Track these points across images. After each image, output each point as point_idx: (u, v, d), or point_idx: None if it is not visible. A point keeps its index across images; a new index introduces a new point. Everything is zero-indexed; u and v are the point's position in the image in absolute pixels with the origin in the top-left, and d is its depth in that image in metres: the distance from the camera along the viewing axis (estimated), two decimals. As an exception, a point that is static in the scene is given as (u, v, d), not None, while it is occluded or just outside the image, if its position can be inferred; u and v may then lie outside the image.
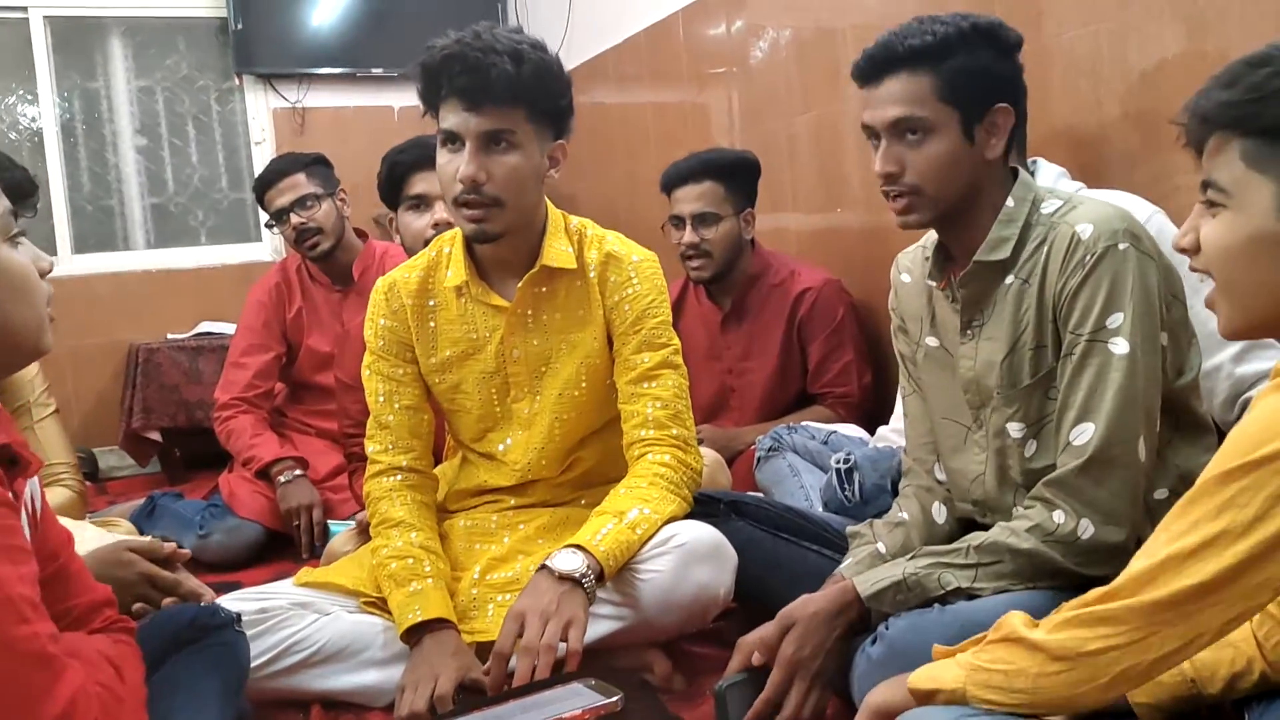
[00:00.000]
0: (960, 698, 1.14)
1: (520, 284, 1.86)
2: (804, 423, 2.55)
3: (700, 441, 2.59)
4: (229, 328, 4.13)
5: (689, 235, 2.75)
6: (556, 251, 1.86)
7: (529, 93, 1.71)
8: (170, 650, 1.38)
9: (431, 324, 1.93)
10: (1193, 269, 1.12)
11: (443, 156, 1.76)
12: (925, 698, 1.19)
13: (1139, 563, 1.04)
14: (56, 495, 2.37)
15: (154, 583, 1.53)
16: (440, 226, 2.36)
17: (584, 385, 1.90)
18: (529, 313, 1.89)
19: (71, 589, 1.27)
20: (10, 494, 1.05)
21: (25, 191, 1.58)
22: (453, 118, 1.72)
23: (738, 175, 2.79)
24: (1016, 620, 1.14)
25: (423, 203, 2.43)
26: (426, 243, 2.16)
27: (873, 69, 1.54)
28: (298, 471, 2.83)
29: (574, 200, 4.70)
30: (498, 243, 1.80)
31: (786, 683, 1.45)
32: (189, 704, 1.33)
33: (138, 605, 1.50)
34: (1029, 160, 2.11)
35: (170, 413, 4.04)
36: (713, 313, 2.91)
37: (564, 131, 1.83)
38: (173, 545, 1.69)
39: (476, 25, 1.72)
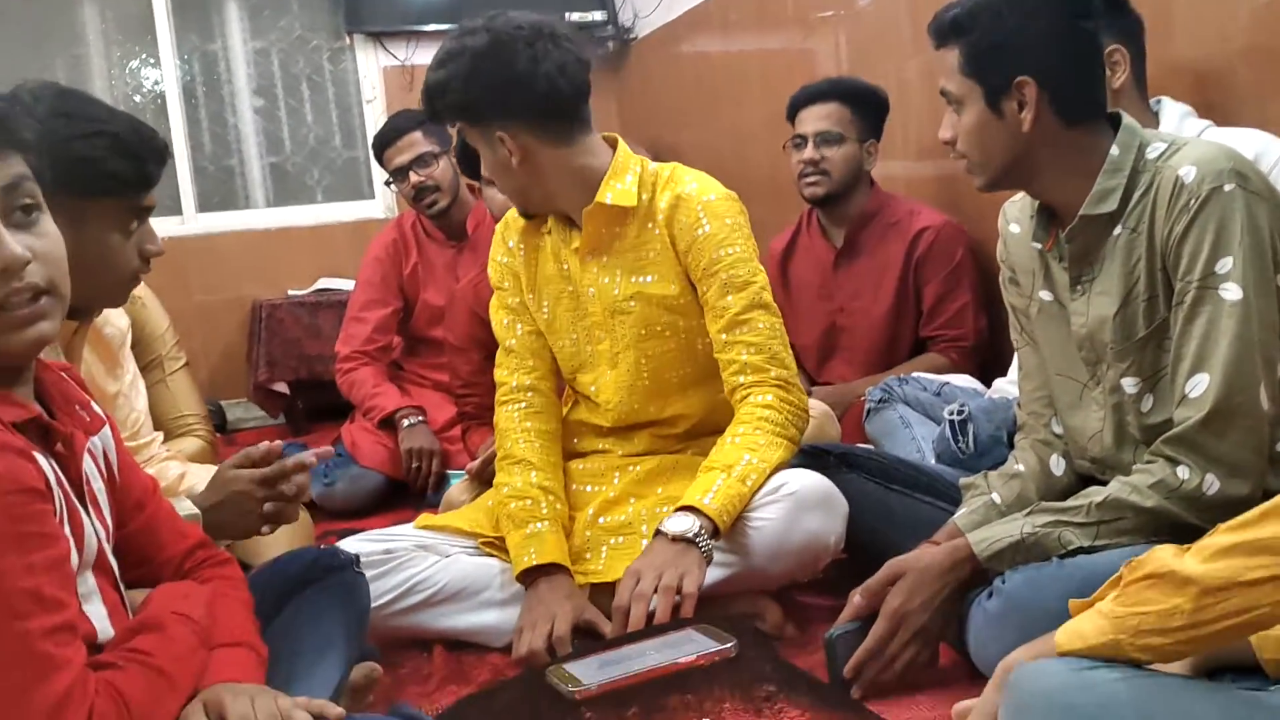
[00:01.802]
0: (1113, 649, 1.08)
1: (586, 225, 1.90)
2: (915, 374, 2.52)
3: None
4: (346, 284, 4.25)
5: (809, 152, 2.73)
6: (613, 190, 1.88)
7: (441, 114, 1.88)
8: (292, 591, 1.43)
9: (535, 260, 2.00)
10: None
11: None
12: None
13: None
14: (188, 445, 2.48)
15: (265, 481, 1.55)
16: None
17: (665, 328, 1.91)
18: (600, 252, 1.92)
19: (162, 539, 1.30)
20: (46, 467, 1.04)
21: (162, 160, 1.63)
22: None
23: (866, 104, 2.76)
24: (1164, 554, 1.07)
25: None
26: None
27: (933, 39, 1.57)
28: (419, 418, 2.92)
29: (678, 150, 4.68)
30: (546, 207, 1.93)
31: (890, 633, 1.46)
32: (314, 642, 1.38)
33: (269, 507, 1.52)
34: (1153, 99, 2.03)
35: (293, 366, 4.20)
36: (826, 250, 2.88)
37: (506, 120, 1.82)
38: (265, 444, 1.72)
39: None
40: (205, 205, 4.83)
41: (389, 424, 2.95)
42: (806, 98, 2.78)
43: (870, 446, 2.08)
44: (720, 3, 4.19)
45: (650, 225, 1.90)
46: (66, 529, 1.06)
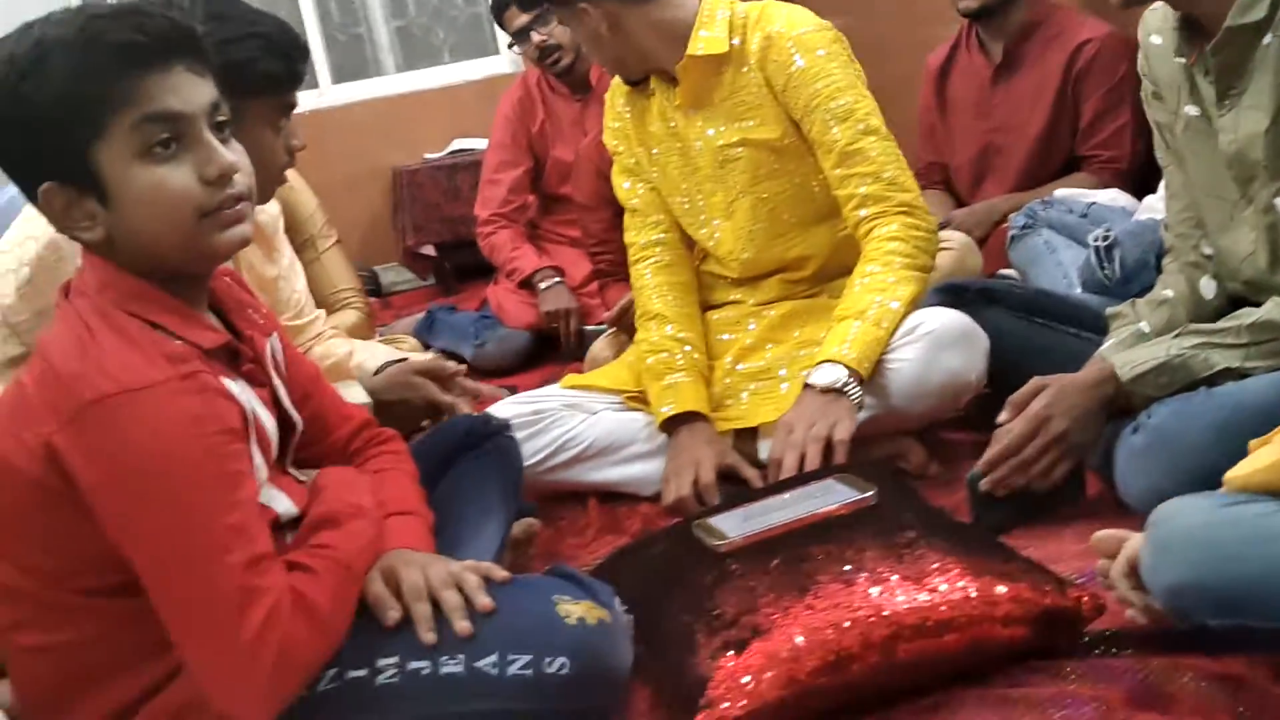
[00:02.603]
0: None
1: (681, 78, 1.89)
2: (1060, 193, 2.42)
3: (946, 225, 2.53)
4: (479, 143, 4.29)
5: None
6: (700, 40, 1.86)
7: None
8: (451, 459, 1.52)
9: (644, 122, 2.00)
10: None
11: None
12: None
13: None
14: (346, 317, 2.60)
15: (437, 406, 1.69)
16: None
17: (774, 171, 1.89)
18: (700, 103, 1.91)
19: (329, 424, 1.38)
20: (237, 390, 1.13)
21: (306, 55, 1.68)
22: None
23: None
24: None
25: None
26: None
27: None
28: (556, 279, 2.99)
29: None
30: (645, 69, 1.92)
31: (1029, 436, 1.46)
32: (475, 505, 1.48)
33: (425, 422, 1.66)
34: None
35: (437, 229, 4.33)
36: (983, 66, 2.76)
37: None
38: (453, 365, 1.86)
39: None
40: (339, 76, 4.92)
41: (529, 285, 3.02)
42: None
43: (1012, 277, 2.02)
44: None
45: (745, 69, 1.88)
46: (255, 446, 1.15)
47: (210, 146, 1.10)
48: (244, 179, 1.14)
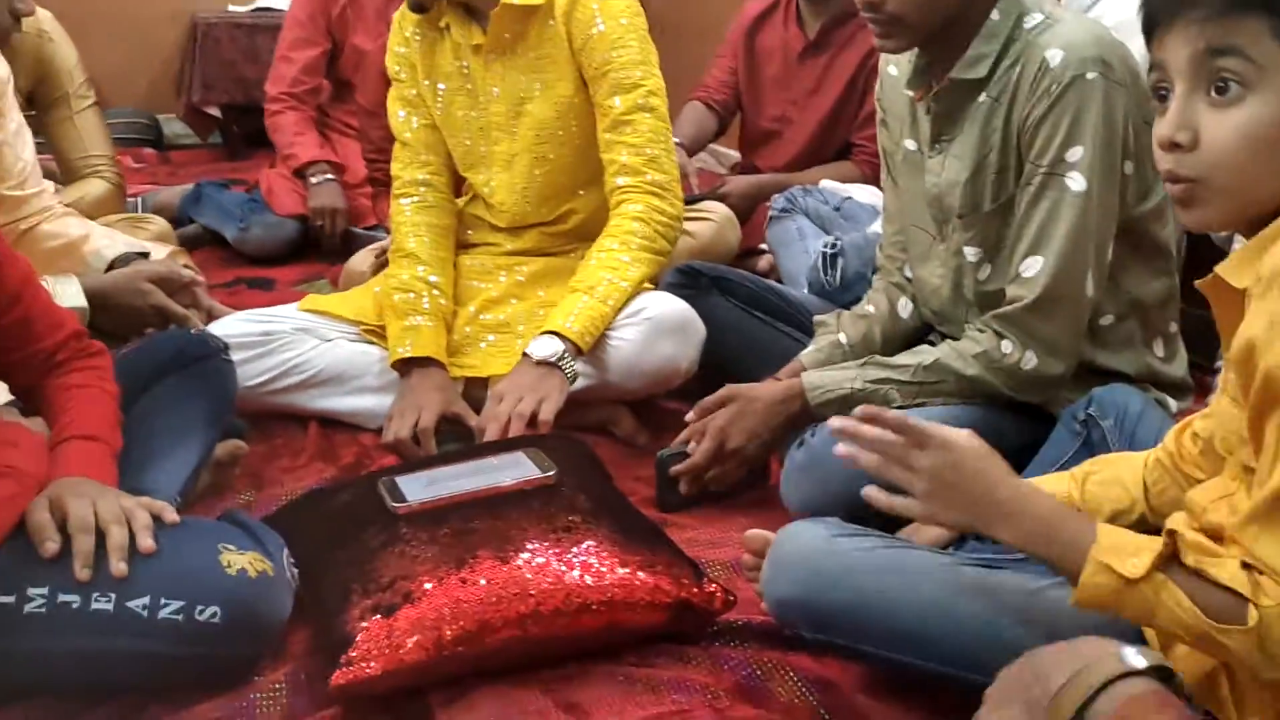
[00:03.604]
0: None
1: (491, 23, 1.89)
2: (823, 184, 2.55)
3: (724, 195, 2.63)
4: (285, 3, 4.10)
5: None
6: None
7: None
8: (160, 376, 1.51)
9: (432, 55, 1.98)
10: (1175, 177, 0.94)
11: None
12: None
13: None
14: (95, 187, 2.48)
15: (165, 315, 1.65)
16: None
17: (560, 129, 1.94)
18: (503, 51, 1.92)
19: (35, 332, 1.34)
20: None
21: None
22: None
23: None
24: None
25: None
26: None
27: None
28: (329, 176, 2.91)
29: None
30: None
31: (711, 451, 1.59)
32: (174, 426, 1.48)
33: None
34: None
35: (227, 89, 4.15)
36: (796, 39, 2.82)
37: None
38: (190, 275, 1.83)
39: None
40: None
41: (303, 176, 2.94)
42: None
43: (744, 272, 2.12)
44: None
45: (550, 23, 1.89)
46: None
47: None
48: None
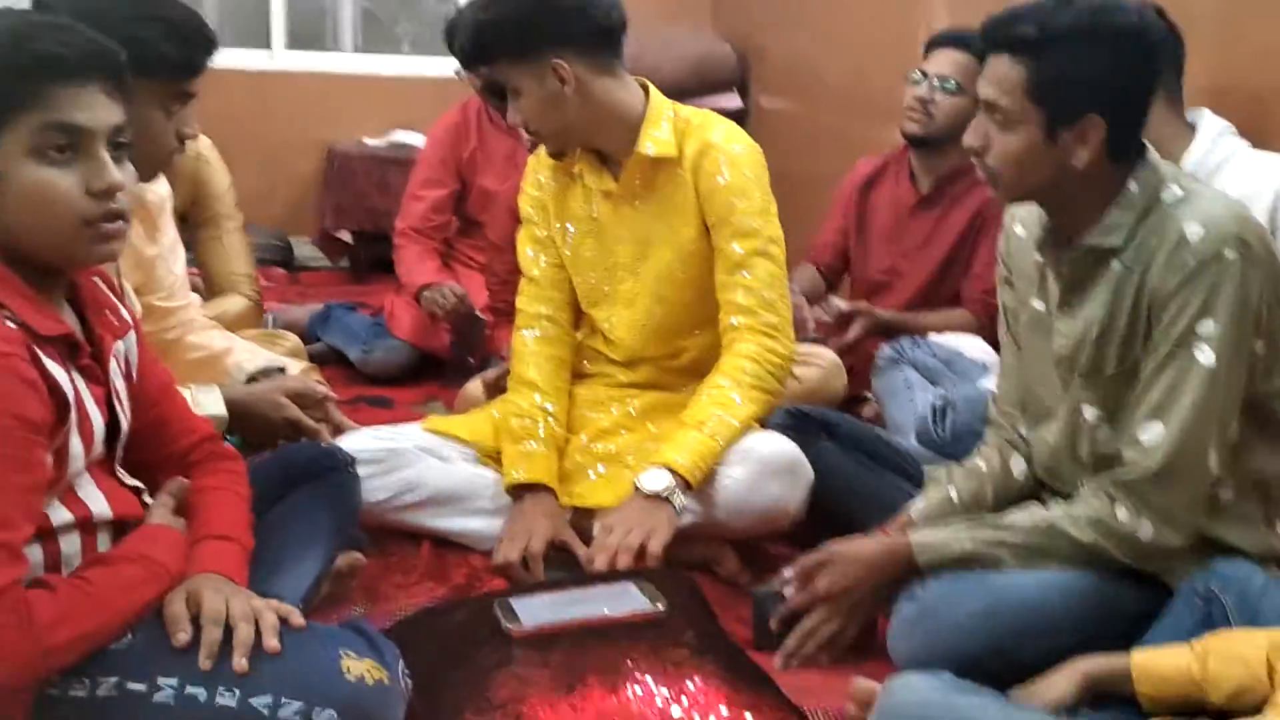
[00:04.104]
0: None
1: (624, 172, 1.99)
2: (931, 337, 2.57)
3: (851, 318, 2.65)
4: (419, 139, 4.34)
5: (923, 90, 2.68)
6: (653, 139, 1.96)
7: (490, 53, 1.93)
8: (290, 485, 1.59)
9: (565, 197, 2.09)
10: None
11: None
12: None
13: None
14: (235, 303, 2.64)
15: (298, 428, 1.75)
16: None
17: (681, 272, 2.01)
18: (633, 198, 2.01)
19: (172, 433, 1.44)
20: (64, 380, 1.19)
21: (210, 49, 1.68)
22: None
23: None
24: None
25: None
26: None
27: (985, 41, 1.52)
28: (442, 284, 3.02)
29: (764, 52, 4.64)
30: (585, 145, 1.99)
31: (819, 619, 1.58)
32: (301, 535, 1.56)
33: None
34: (1193, 110, 2.02)
35: (358, 217, 4.38)
36: (908, 194, 2.87)
37: (562, 47, 1.88)
38: (324, 390, 1.92)
39: None
40: (294, 43, 4.93)
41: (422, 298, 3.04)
42: (946, 40, 2.70)
43: (852, 418, 2.15)
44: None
45: (679, 172, 1.98)
46: (75, 436, 1.21)
47: (102, 162, 1.19)
48: (125, 200, 1.22)
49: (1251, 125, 2.03)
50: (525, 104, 1.91)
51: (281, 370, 2.04)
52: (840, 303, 2.78)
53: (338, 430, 1.93)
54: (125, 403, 1.34)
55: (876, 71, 3.44)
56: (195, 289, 2.46)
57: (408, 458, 1.94)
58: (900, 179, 2.92)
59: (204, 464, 1.46)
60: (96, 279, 1.36)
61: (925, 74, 2.69)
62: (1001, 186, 1.54)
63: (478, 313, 2.97)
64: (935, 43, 2.73)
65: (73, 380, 1.22)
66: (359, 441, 1.90)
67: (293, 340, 2.54)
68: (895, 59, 2.75)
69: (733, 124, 2.03)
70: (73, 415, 1.20)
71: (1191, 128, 2.01)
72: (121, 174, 1.21)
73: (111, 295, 1.38)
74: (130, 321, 1.40)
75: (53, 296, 1.25)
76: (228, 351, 2.06)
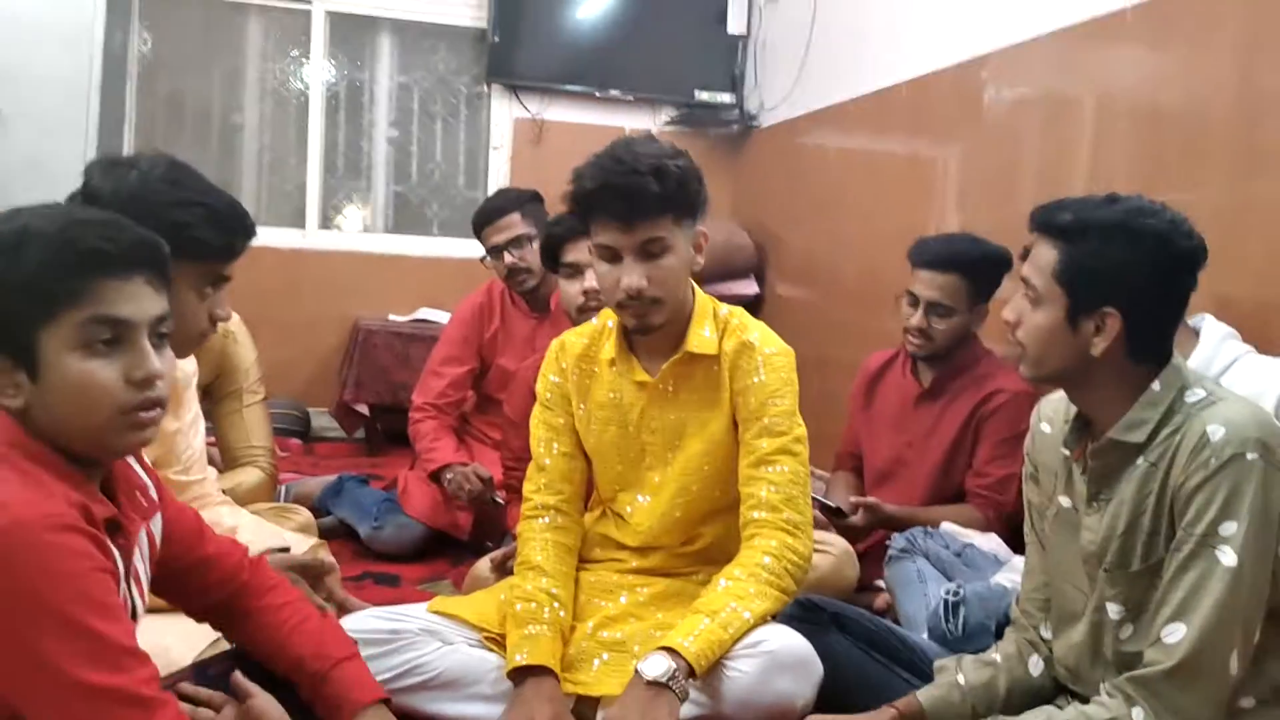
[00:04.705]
0: None
1: (665, 365, 2.01)
2: (944, 527, 2.56)
3: (857, 513, 2.65)
4: (444, 316, 4.46)
5: (918, 319, 2.77)
6: (700, 338, 2.01)
7: (673, 202, 1.88)
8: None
9: (588, 385, 2.10)
10: None
11: (601, 267, 1.94)
12: None
13: None
14: (250, 476, 2.66)
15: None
16: (590, 294, 2.53)
17: (708, 464, 2.02)
18: (669, 389, 2.03)
19: (218, 562, 1.52)
20: (114, 554, 1.24)
21: (249, 236, 1.75)
22: (608, 235, 1.89)
23: (985, 271, 2.75)
24: None
25: (576, 270, 2.59)
26: (579, 308, 2.51)
27: (1035, 228, 1.59)
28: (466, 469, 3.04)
29: (777, 240, 4.79)
30: (671, 314, 1.98)
31: None
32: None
33: None
34: (1196, 317, 2.07)
35: (378, 390, 4.45)
36: (912, 386, 2.93)
37: (702, 217, 1.97)
38: (330, 561, 1.92)
39: (617, 145, 1.89)
40: (327, 223, 5.12)
41: (438, 480, 3.08)
42: (927, 261, 2.77)
43: (863, 610, 2.12)
44: (838, 112, 4.29)
45: (715, 368, 2.02)
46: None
47: (144, 353, 1.22)
48: (164, 387, 1.25)
49: (1253, 332, 2.08)
50: (669, 264, 1.90)
51: (286, 550, 2.04)
52: (847, 499, 2.79)
53: (342, 609, 1.91)
54: (145, 586, 1.36)
55: (885, 264, 3.54)
56: (212, 460, 2.50)
57: (411, 640, 1.92)
58: (905, 372, 2.97)
59: (256, 582, 1.54)
60: (129, 460, 1.39)
61: (917, 299, 2.77)
62: (1026, 361, 1.60)
63: (499, 497, 2.99)
64: (917, 262, 2.80)
65: (114, 552, 1.24)
66: (362, 622, 1.88)
67: (304, 515, 2.55)
68: (903, 253, 2.83)
69: (765, 326, 2.08)
70: (120, 588, 1.22)
71: (1195, 332, 2.05)
72: (161, 361, 1.24)
73: (142, 472, 1.41)
74: (158, 501, 1.42)
75: (91, 480, 1.27)
76: (234, 531, 2.07)
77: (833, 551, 2.47)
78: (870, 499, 2.73)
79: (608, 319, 2.12)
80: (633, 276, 1.89)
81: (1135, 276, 1.50)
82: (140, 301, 1.22)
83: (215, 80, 5.00)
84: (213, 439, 2.72)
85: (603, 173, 1.85)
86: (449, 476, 3.05)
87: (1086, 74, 2.90)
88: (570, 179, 1.92)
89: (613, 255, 1.91)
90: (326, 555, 2.15)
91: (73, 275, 1.19)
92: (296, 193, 5.08)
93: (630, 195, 1.84)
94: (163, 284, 1.26)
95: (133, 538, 1.32)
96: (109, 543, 1.22)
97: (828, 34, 4.38)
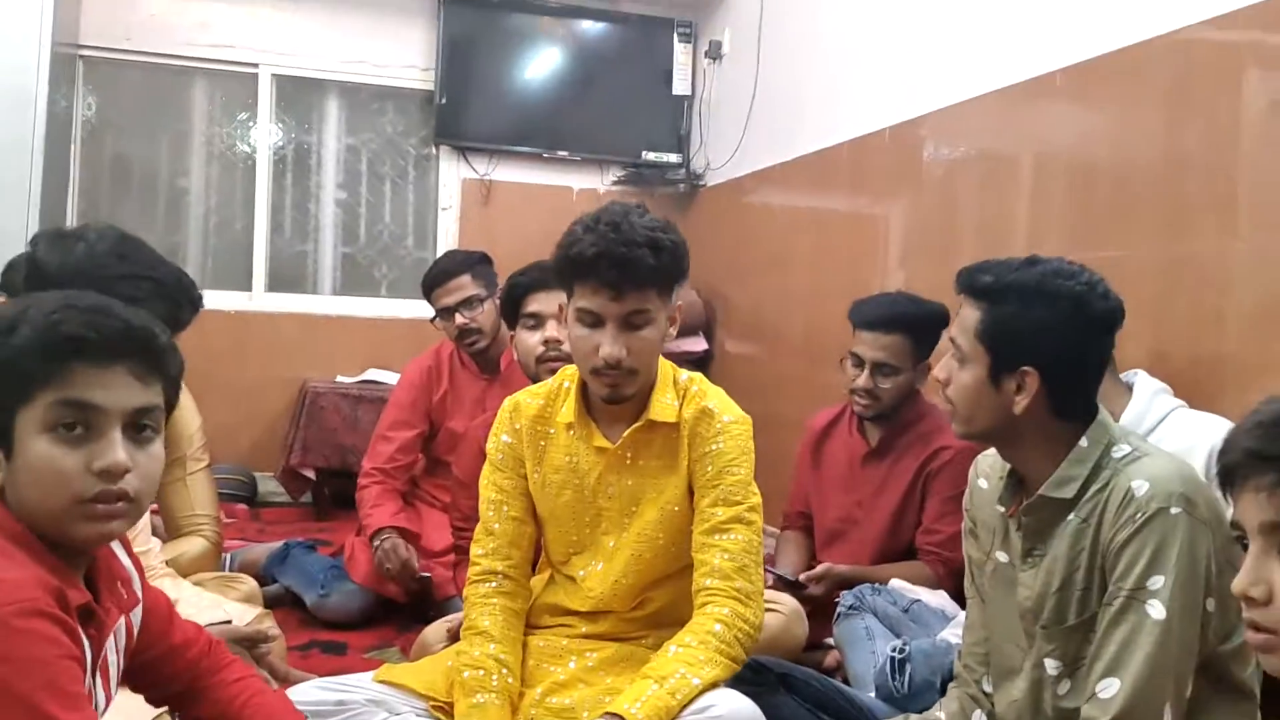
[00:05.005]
0: None
1: (627, 432, 2.01)
2: (893, 583, 2.58)
3: (811, 582, 2.67)
4: (392, 377, 4.44)
5: (864, 380, 2.79)
6: (662, 406, 2.01)
7: (664, 276, 1.90)
8: None
9: (543, 447, 2.09)
10: None
11: (578, 330, 1.93)
12: None
13: None
14: (194, 545, 2.60)
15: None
16: (550, 344, 2.54)
17: (663, 531, 2.02)
18: (628, 456, 2.03)
19: (184, 650, 1.52)
20: (84, 641, 1.21)
21: (196, 308, 1.73)
22: (595, 301, 1.89)
23: (925, 330, 2.78)
24: None
25: (538, 321, 2.60)
26: (538, 358, 2.52)
27: (960, 289, 1.63)
28: (390, 537, 3.04)
29: (726, 297, 4.84)
30: (643, 384, 1.99)
31: None
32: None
33: None
34: (1129, 372, 2.11)
35: (325, 453, 4.40)
36: (859, 445, 2.96)
37: (679, 291, 1.98)
38: (274, 632, 1.90)
39: (614, 213, 1.88)
40: (274, 285, 5.09)
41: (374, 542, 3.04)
42: (868, 322, 2.80)
43: (810, 670, 2.12)
44: (782, 171, 4.37)
45: (675, 435, 2.02)
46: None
47: (111, 443, 1.20)
48: (135, 481, 1.22)
49: (1185, 388, 2.13)
50: (649, 336, 1.92)
51: (227, 622, 2.00)
52: (797, 564, 2.81)
53: (285, 682, 1.88)
54: (115, 677, 1.34)
55: (831, 320, 3.58)
56: (155, 529, 2.45)
57: (357, 711, 1.88)
58: (851, 430, 3.00)
59: (211, 662, 1.53)
60: (116, 545, 1.36)
61: (862, 360, 2.80)
62: (956, 419, 1.65)
63: (422, 575, 3.00)
64: (859, 323, 2.83)
65: (85, 642, 1.22)
66: (308, 694, 1.85)
67: (249, 584, 2.50)
68: (848, 309, 2.88)
69: (723, 392, 2.08)
70: (86, 679, 1.20)
71: (1128, 387, 2.10)
72: (141, 455, 1.22)
73: (128, 563, 1.39)
74: (139, 597, 1.41)
75: (73, 567, 1.24)
76: (175, 604, 2.03)
77: (782, 610, 2.47)
78: (822, 567, 2.74)
79: (564, 379, 2.12)
80: (615, 347, 1.89)
81: (1052, 337, 1.54)
82: (115, 390, 1.21)
83: (161, 143, 4.99)
84: (155, 507, 2.67)
85: (601, 240, 1.85)
86: (376, 544, 3.03)
87: (1021, 133, 2.98)
88: (563, 240, 1.91)
89: (595, 321, 1.91)
90: (272, 625, 2.11)
91: (51, 358, 1.19)
92: (243, 255, 5.05)
93: (625, 265, 1.84)
94: (153, 376, 1.24)
95: (106, 629, 1.29)
96: (79, 630, 1.20)
97: (770, 94, 4.47)
